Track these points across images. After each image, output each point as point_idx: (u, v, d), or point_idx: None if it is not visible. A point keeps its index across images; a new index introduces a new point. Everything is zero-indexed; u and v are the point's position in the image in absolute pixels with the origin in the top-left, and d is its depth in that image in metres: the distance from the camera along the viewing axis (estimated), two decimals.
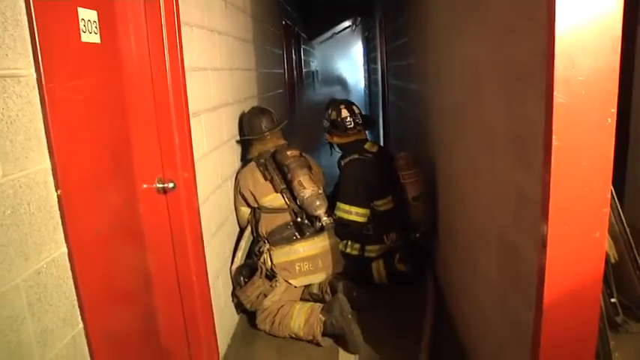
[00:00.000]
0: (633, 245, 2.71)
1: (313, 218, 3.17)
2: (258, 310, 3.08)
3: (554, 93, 1.45)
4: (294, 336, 2.97)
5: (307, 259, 3.24)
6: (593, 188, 1.52)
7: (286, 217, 3.25)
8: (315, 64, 12.44)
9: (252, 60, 4.06)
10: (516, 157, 1.82)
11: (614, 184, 2.60)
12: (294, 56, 7.24)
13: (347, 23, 12.49)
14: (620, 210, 2.67)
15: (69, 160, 1.50)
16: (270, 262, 3.19)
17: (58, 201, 1.41)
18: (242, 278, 3.07)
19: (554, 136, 1.47)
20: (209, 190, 2.72)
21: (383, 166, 3.66)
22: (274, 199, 3.23)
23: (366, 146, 3.74)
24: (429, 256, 3.78)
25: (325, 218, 3.13)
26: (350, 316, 2.87)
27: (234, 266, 3.13)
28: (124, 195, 2.00)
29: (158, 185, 2.28)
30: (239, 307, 3.16)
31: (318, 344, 2.91)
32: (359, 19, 11.54)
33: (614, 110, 1.48)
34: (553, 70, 1.44)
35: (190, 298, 2.46)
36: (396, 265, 3.56)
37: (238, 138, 3.49)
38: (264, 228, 3.24)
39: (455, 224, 2.90)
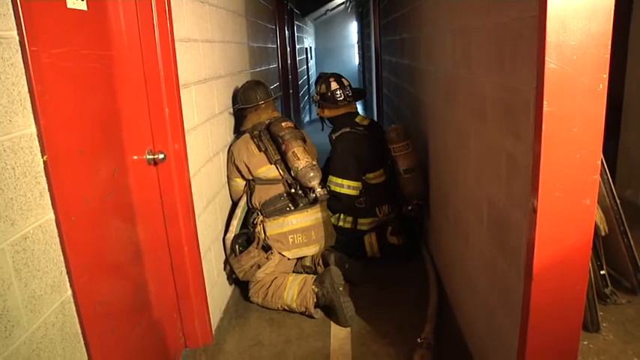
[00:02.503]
0: (623, 218, 2.72)
1: (307, 190, 3.15)
2: (251, 282, 3.09)
3: (546, 58, 1.43)
4: (286, 308, 2.99)
5: (300, 230, 3.24)
6: (584, 155, 1.51)
7: (280, 189, 3.24)
8: (309, 41, 12.33)
9: (245, 33, 4.01)
10: (507, 125, 1.81)
11: (606, 157, 2.62)
12: (287, 32, 7.17)
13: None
14: (611, 183, 2.68)
15: (55, 127, 1.48)
16: (263, 234, 3.19)
17: (44, 167, 1.40)
18: (237, 247, 3.07)
19: (545, 102, 1.46)
20: (200, 162, 2.70)
21: (374, 138, 3.66)
22: (268, 171, 3.22)
23: (357, 119, 3.74)
24: (422, 229, 3.80)
25: (319, 189, 3.11)
26: (341, 289, 2.89)
27: (230, 234, 3.12)
28: (113, 165, 1.98)
29: (148, 156, 2.27)
30: (231, 276, 3.17)
31: (310, 316, 2.93)
32: None
33: (606, 76, 1.47)
34: (545, 35, 1.42)
35: (182, 270, 2.46)
36: (389, 238, 3.58)
37: (232, 110, 3.46)
38: (257, 199, 3.23)
39: (447, 196, 2.91)
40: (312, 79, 12.52)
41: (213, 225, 2.93)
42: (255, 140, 3.24)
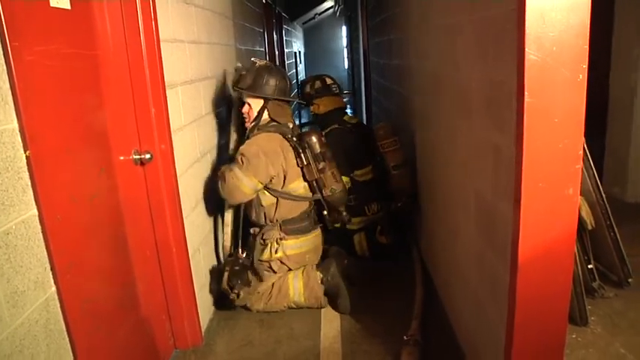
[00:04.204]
0: (610, 212, 2.75)
1: (335, 212, 3.10)
2: (251, 298, 2.94)
3: (526, 49, 1.45)
4: (293, 306, 2.94)
5: (313, 250, 3.09)
6: (566, 145, 1.53)
7: (304, 206, 3.04)
8: (297, 45, 12.36)
9: (232, 36, 4.01)
10: (492, 118, 1.82)
11: (593, 155, 2.65)
12: (275, 35, 7.19)
13: (330, 3, 12.42)
14: (597, 178, 2.70)
15: (39, 123, 1.48)
16: (281, 253, 2.94)
17: (27, 162, 1.39)
18: (238, 281, 2.82)
19: (526, 93, 1.48)
20: (188, 162, 2.70)
21: (362, 135, 3.73)
22: (299, 187, 2.98)
23: (346, 118, 3.83)
24: (411, 227, 3.81)
25: (345, 212, 3.12)
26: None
27: (227, 243, 3.07)
28: (99, 165, 1.97)
29: (135, 156, 2.26)
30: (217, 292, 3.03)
31: (320, 307, 2.94)
32: None
33: (586, 66, 1.48)
34: (524, 27, 1.44)
35: (170, 270, 2.46)
36: (378, 238, 3.59)
37: (217, 111, 3.35)
38: (279, 214, 2.94)
39: (436, 192, 2.92)
40: None
41: (201, 226, 2.92)
42: (297, 151, 2.93)
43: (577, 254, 2.57)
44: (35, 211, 1.42)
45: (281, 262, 2.95)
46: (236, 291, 2.79)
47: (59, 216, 1.55)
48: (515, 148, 1.57)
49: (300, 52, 12.78)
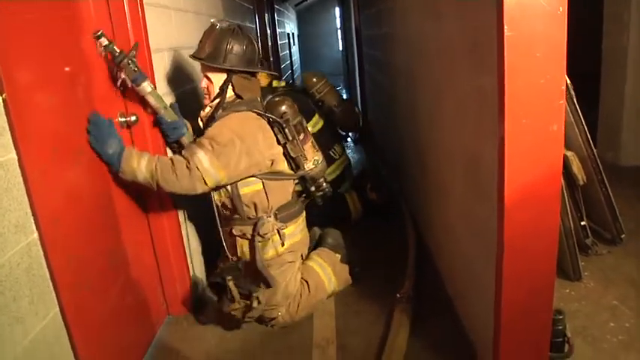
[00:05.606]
0: (601, 167, 2.74)
1: (313, 186, 2.66)
2: (275, 307, 2.51)
3: None
4: (328, 296, 2.71)
5: (306, 233, 2.74)
6: (548, 80, 1.52)
7: (291, 186, 2.60)
8: (290, 27, 12.30)
9: (220, 8, 3.99)
10: (475, 62, 1.81)
11: (588, 124, 2.64)
12: (266, 14, 7.14)
13: None
14: (587, 133, 2.69)
15: (15, 68, 1.47)
16: (287, 243, 2.52)
17: (4, 105, 1.38)
18: (252, 286, 2.37)
19: (505, 27, 1.46)
20: None
21: (298, 92, 3.85)
22: (284, 166, 2.49)
23: (275, 84, 3.82)
24: (401, 189, 3.85)
25: (325, 184, 2.71)
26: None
27: None
28: (83, 123, 1.95)
29: (121, 119, 2.24)
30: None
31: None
32: None
33: None
34: None
35: (161, 233, 2.47)
36: (369, 194, 3.67)
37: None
38: (273, 202, 2.45)
39: (424, 154, 2.90)
40: (296, 65, 12.49)
41: None
42: (279, 124, 2.39)
43: (569, 210, 2.56)
44: (14, 155, 1.41)
45: (288, 253, 2.55)
46: (256, 295, 2.34)
47: (40, 164, 1.54)
48: (497, 86, 1.55)
49: (293, 33, 12.71)
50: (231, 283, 2.30)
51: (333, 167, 3.65)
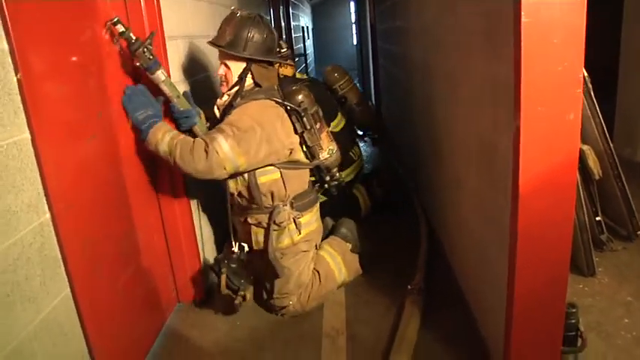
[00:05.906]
0: (617, 162, 2.70)
1: (327, 175, 2.67)
2: (287, 295, 2.53)
3: None
4: (338, 286, 2.72)
5: (320, 223, 2.76)
6: (566, 67, 1.49)
7: (307, 175, 2.62)
8: (305, 20, 12.29)
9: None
10: (491, 50, 1.79)
11: (604, 117, 2.60)
12: (281, 6, 7.14)
13: None
14: (604, 126, 2.65)
15: (30, 50, 1.47)
16: (304, 232, 2.53)
17: (19, 85, 1.38)
18: (242, 282, 2.37)
19: (522, 13, 1.44)
20: None
21: (321, 86, 3.73)
22: (301, 155, 2.49)
23: (298, 76, 3.83)
24: (413, 181, 3.84)
25: (338, 174, 2.71)
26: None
27: None
28: (97, 108, 1.95)
29: None
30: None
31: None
32: None
33: None
34: None
35: (172, 220, 2.48)
36: (376, 189, 3.63)
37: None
38: (290, 190, 2.45)
39: (439, 144, 2.87)
40: (310, 59, 12.47)
41: None
42: (298, 112, 2.39)
43: (584, 204, 2.53)
44: (28, 135, 1.42)
45: (303, 242, 2.55)
46: (242, 293, 2.37)
47: (53, 144, 1.54)
48: (513, 73, 1.53)
49: (307, 27, 12.70)
50: (223, 277, 2.33)
51: (351, 169, 3.63)
